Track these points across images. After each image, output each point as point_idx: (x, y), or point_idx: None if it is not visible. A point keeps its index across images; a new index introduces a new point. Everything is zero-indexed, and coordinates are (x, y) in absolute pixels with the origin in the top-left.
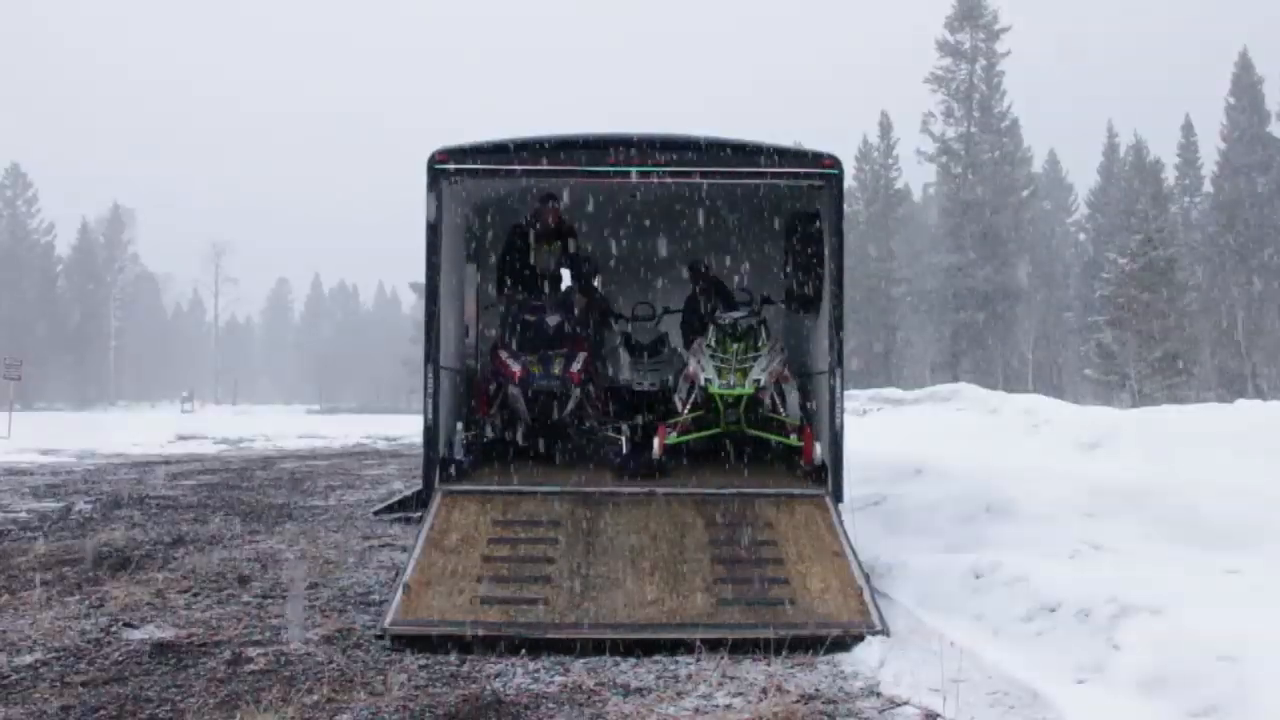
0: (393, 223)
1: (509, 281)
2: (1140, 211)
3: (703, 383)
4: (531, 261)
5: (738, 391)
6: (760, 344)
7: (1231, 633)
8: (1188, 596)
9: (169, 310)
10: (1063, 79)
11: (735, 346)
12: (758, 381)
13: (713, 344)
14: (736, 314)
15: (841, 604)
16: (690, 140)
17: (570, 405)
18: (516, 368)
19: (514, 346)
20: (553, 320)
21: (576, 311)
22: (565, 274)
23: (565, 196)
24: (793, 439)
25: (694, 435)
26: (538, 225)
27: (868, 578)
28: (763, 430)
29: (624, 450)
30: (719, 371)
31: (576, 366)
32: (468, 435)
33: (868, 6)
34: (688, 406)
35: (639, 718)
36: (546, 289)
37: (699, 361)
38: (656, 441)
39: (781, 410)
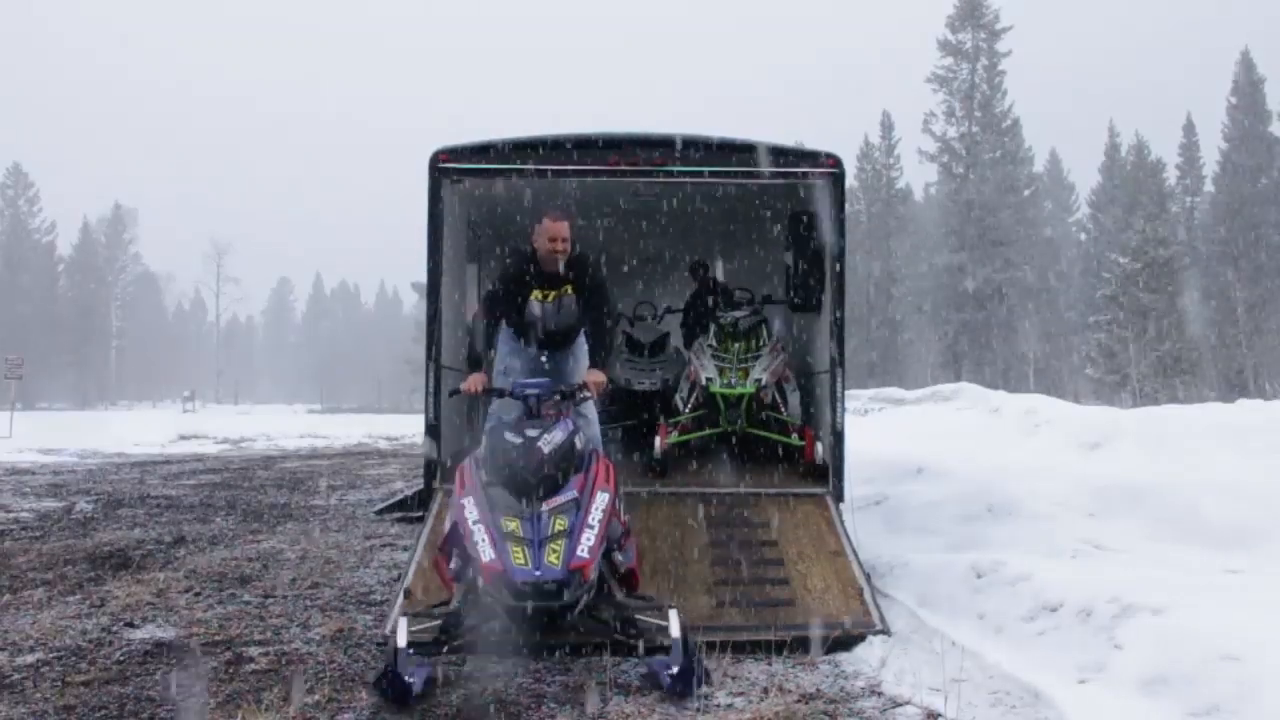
0: (394, 222)
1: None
2: (1142, 211)
3: (704, 382)
4: (527, 318)
5: (739, 391)
6: (761, 343)
7: (1233, 632)
8: (1189, 596)
9: (170, 310)
10: (1064, 79)
11: (736, 346)
12: (759, 381)
13: (714, 343)
14: (738, 313)
15: (842, 604)
16: (692, 139)
17: (580, 606)
18: (488, 555)
19: (487, 485)
20: (550, 442)
21: (590, 396)
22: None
23: (568, 205)
24: (794, 438)
25: (695, 435)
26: (534, 267)
27: (869, 577)
28: (764, 430)
29: (674, 665)
30: (720, 371)
31: (586, 548)
32: (413, 627)
33: (868, 6)
34: (689, 406)
35: (640, 717)
36: (544, 360)
37: (700, 361)
38: (658, 441)
39: (783, 410)
